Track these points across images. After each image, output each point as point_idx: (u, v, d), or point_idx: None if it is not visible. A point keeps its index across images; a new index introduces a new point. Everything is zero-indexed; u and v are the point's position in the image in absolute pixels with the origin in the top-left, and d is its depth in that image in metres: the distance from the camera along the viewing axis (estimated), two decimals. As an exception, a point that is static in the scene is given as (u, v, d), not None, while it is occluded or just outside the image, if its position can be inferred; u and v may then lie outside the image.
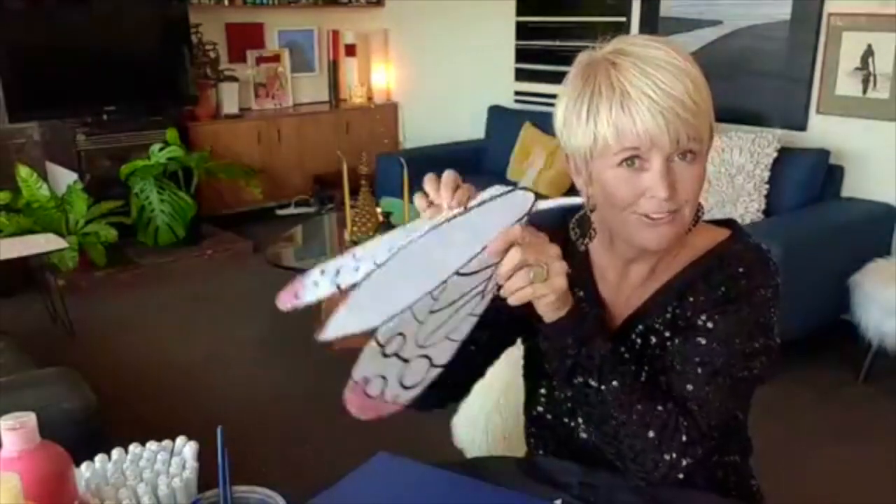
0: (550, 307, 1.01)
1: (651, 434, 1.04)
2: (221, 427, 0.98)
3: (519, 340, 1.31)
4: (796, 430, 2.91)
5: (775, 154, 3.63)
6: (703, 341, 1.09)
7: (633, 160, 1.03)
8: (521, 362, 1.35)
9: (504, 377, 1.82)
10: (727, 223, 1.21)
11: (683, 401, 1.07)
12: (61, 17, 4.66)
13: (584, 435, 1.22)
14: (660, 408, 1.05)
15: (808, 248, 3.26)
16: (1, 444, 0.96)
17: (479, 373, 1.28)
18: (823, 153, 3.66)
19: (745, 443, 1.30)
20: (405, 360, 1.00)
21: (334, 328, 0.89)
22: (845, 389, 3.25)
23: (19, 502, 0.88)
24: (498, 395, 1.81)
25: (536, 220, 0.99)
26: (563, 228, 1.21)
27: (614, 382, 1.05)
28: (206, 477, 1.14)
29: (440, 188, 0.95)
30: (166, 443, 1.22)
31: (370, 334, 0.95)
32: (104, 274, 4.46)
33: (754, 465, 1.32)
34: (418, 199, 0.98)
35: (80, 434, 1.66)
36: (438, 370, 1.01)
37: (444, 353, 1.01)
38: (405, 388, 1.02)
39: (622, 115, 1.00)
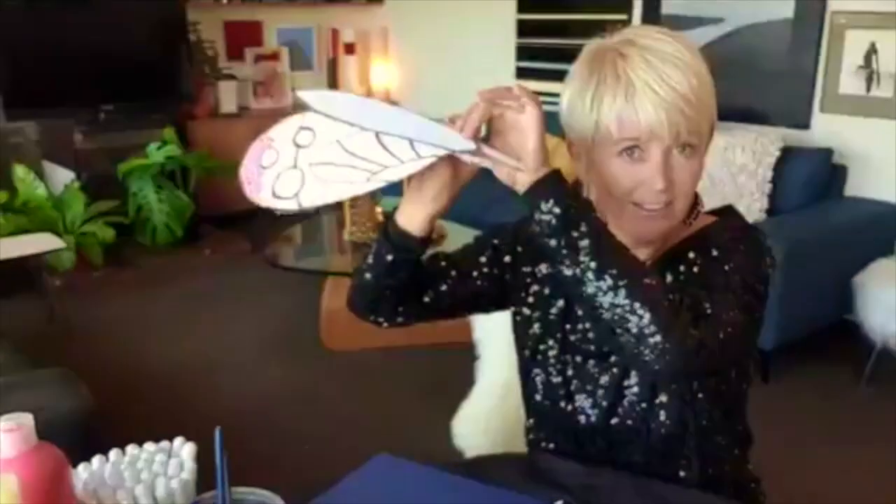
0: (539, 170, 0.98)
1: (662, 306, 0.96)
2: (220, 428, 0.97)
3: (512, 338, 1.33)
4: (799, 431, 2.90)
5: (778, 153, 3.62)
6: (703, 272, 1.10)
7: (632, 150, 1.05)
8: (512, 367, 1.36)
9: (504, 377, 1.82)
10: (725, 210, 1.23)
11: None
12: (58, 15, 4.65)
13: (581, 419, 1.22)
14: (670, 294, 1.00)
15: (812, 247, 3.26)
16: (-3, 445, 0.95)
17: (437, 308, 1.25)
18: (826, 152, 3.65)
19: (744, 433, 1.30)
20: (294, 166, 1.04)
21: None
22: (848, 390, 3.25)
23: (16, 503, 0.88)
24: (498, 397, 1.81)
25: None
26: None
27: (613, 240, 0.99)
28: (204, 478, 1.13)
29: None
30: (164, 444, 1.22)
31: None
32: (102, 274, 4.45)
33: (756, 465, 1.32)
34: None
35: (77, 435, 1.65)
36: (295, 206, 1.01)
37: (315, 195, 1.02)
38: (275, 195, 1.04)
39: (625, 106, 1.03)
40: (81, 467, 1.15)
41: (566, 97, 1.11)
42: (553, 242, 0.98)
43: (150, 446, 1.21)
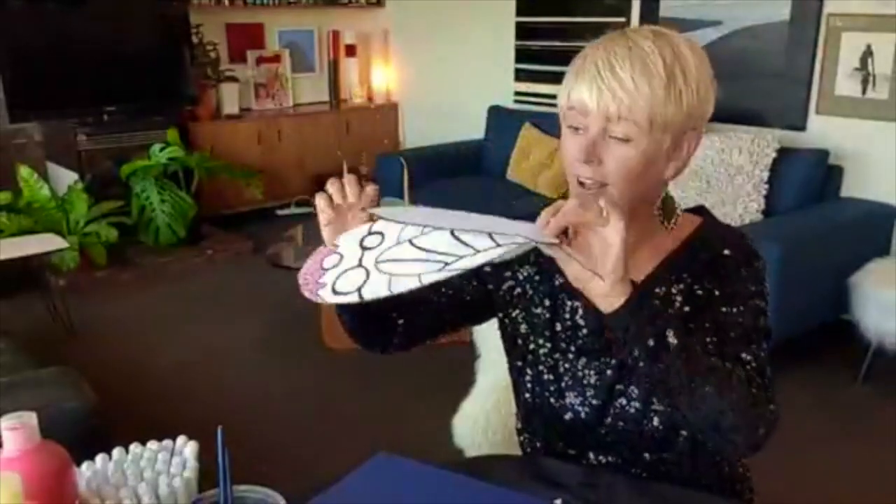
0: (616, 284, 0.98)
1: (738, 390, 1.05)
2: (222, 427, 0.98)
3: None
4: (795, 430, 2.90)
5: (775, 154, 3.63)
6: (727, 311, 1.14)
7: (576, 127, 1.11)
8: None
9: (504, 377, 1.83)
10: (697, 210, 1.27)
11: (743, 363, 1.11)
12: (62, 17, 4.67)
13: (569, 416, 1.25)
14: (729, 365, 1.07)
15: (808, 248, 3.27)
16: (1, 443, 0.96)
17: (428, 329, 1.34)
18: (823, 153, 3.66)
19: None
20: (358, 265, 1.03)
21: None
22: (844, 389, 3.26)
23: (20, 502, 0.89)
24: (498, 395, 1.82)
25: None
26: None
27: (689, 337, 1.05)
28: (206, 476, 1.14)
29: (344, 187, 1.14)
30: (167, 442, 1.22)
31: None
32: (105, 274, 4.46)
33: (750, 464, 1.33)
34: (320, 199, 1.14)
35: (80, 434, 1.66)
36: (356, 298, 0.98)
37: (378, 287, 0.98)
38: (335, 291, 1.01)
39: (571, 82, 1.11)
40: (84, 466, 1.16)
41: None
42: (642, 365, 1.03)
43: (152, 445, 1.22)
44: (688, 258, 1.19)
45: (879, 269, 3.27)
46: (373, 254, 1.03)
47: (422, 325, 1.33)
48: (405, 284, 0.96)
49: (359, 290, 0.98)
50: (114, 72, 4.87)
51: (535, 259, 1.27)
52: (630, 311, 0.99)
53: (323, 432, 2.93)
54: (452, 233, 0.98)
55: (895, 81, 3.51)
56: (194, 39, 5.29)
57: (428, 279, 0.95)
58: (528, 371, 1.29)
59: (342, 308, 1.25)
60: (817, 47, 3.75)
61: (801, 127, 3.85)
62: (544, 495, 1.11)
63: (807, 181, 3.64)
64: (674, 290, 1.17)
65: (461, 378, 2.00)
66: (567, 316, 1.24)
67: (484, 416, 1.81)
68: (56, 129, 4.84)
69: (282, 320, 3.95)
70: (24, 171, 4.43)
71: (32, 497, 0.93)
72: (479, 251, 0.96)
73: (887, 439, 2.87)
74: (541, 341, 1.27)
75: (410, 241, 1.01)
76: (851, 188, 3.71)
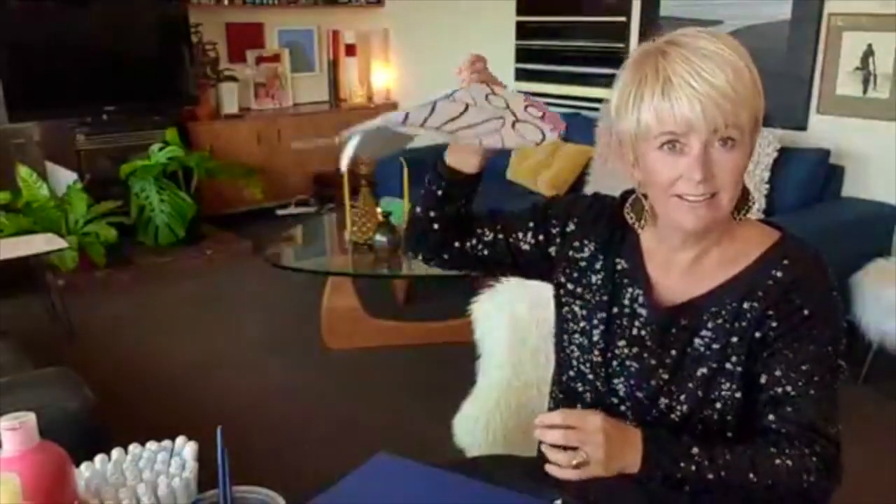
0: (614, 471, 1.09)
1: (785, 481, 1.10)
2: (221, 427, 0.98)
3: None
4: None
5: (776, 154, 3.62)
6: (802, 363, 1.15)
7: (672, 144, 1.09)
8: (523, 364, 1.37)
9: (504, 377, 1.83)
10: (772, 224, 1.26)
11: (808, 427, 1.13)
12: (61, 16, 4.67)
13: (613, 400, 1.26)
14: (780, 460, 1.11)
15: (809, 247, 3.26)
16: (1, 443, 0.96)
17: (476, 257, 1.35)
18: (824, 153, 3.65)
19: None
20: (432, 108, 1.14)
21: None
22: (845, 389, 3.23)
23: (19, 502, 0.88)
24: (498, 395, 1.82)
25: (598, 206, 1.25)
26: (621, 210, 1.25)
27: (727, 456, 1.11)
28: (205, 477, 1.14)
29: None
30: (166, 443, 1.22)
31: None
32: (104, 274, 4.46)
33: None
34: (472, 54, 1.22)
35: (79, 434, 1.66)
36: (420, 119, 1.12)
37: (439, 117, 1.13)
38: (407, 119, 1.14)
39: (662, 102, 1.06)
40: (84, 466, 1.15)
41: (614, 100, 1.15)
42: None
43: (152, 445, 1.22)
44: (763, 274, 1.17)
45: (881, 268, 3.26)
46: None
47: (474, 254, 1.34)
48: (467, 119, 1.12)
49: (426, 119, 1.12)
50: (113, 71, 4.87)
51: (600, 240, 1.27)
52: (651, 463, 1.08)
53: (323, 432, 2.93)
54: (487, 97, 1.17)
55: (896, 81, 3.51)
56: (194, 39, 5.30)
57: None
58: (575, 349, 1.29)
59: (426, 198, 1.29)
60: (818, 47, 3.75)
61: (802, 126, 3.85)
62: (545, 495, 1.11)
63: (808, 181, 3.63)
64: (745, 306, 1.17)
65: (461, 378, 2.00)
66: (626, 302, 1.25)
67: (484, 416, 1.81)
68: (55, 128, 4.83)
69: (282, 320, 3.95)
70: (23, 170, 4.43)
71: (31, 497, 0.92)
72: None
73: (888, 439, 2.87)
74: (595, 321, 1.26)
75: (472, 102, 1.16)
76: (852, 188, 3.70)
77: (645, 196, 1.19)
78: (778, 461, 1.10)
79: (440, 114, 1.12)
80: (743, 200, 1.16)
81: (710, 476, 1.09)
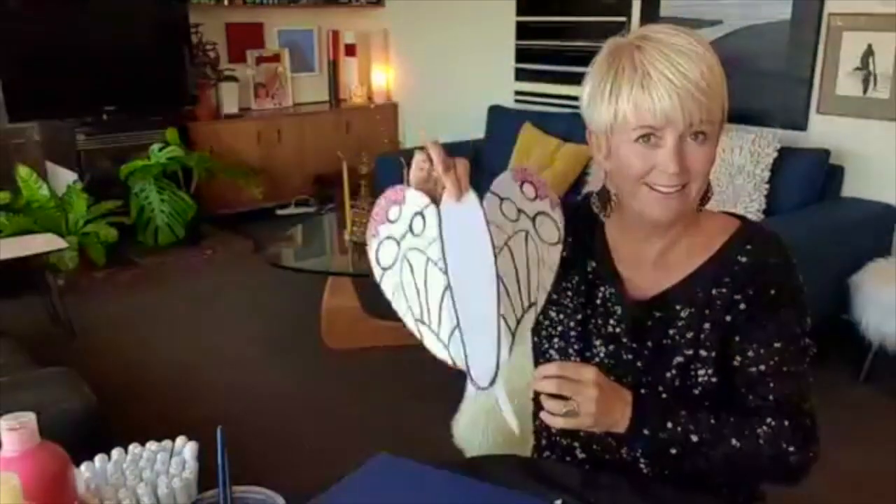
0: (604, 426, 1.10)
1: (766, 451, 1.14)
2: (221, 427, 0.98)
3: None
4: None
5: (775, 154, 3.62)
6: (773, 341, 1.17)
7: (648, 137, 1.10)
8: (525, 355, 1.37)
9: (504, 377, 1.82)
10: (730, 213, 1.28)
11: (785, 401, 1.17)
12: (61, 16, 4.66)
13: None
14: (760, 429, 1.14)
15: (808, 248, 3.24)
16: (1, 443, 0.96)
17: None
18: (824, 153, 3.65)
19: None
20: (398, 240, 1.06)
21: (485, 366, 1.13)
22: (845, 390, 3.25)
23: (19, 502, 0.88)
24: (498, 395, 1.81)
25: (568, 212, 1.15)
26: (587, 210, 1.27)
27: (712, 421, 1.13)
28: (205, 477, 1.14)
29: (439, 163, 1.04)
30: (166, 443, 1.22)
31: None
32: (104, 274, 4.46)
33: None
34: (418, 155, 1.07)
35: (79, 434, 1.66)
36: (378, 275, 1.07)
37: (390, 279, 1.07)
38: (377, 258, 1.08)
39: (642, 94, 1.07)
40: (84, 466, 1.15)
41: (586, 90, 1.15)
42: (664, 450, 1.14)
43: (152, 445, 1.22)
44: (729, 260, 1.19)
45: (880, 269, 3.26)
46: (410, 241, 1.04)
47: None
48: (398, 301, 1.06)
49: (384, 272, 1.05)
50: (113, 71, 4.86)
51: (572, 243, 1.26)
52: (639, 421, 1.10)
53: (323, 432, 2.93)
54: (450, 291, 1.01)
55: (896, 81, 3.51)
56: (194, 39, 5.30)
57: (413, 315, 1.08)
58: (553, 353, 1.30)
59: None
60: (818, 47, 3.75)
61: (802, 126, 3.85)
62: (544, 496, 1.11)
63: (808, 181, 3.63)
64: (714, 293, 1.19)
65: (461, 378, 2.00)
66: (599, 301, 1.25)
67: (484, 417, 1.81)
68: (55, 128, 4.84)
69: (281, 320, 3.95)
70: (23, 170, 4.43)
71: (31, 497, 0.92)
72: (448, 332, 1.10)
73: (888, 439, 2.87)
74: (572, 324, 1.27)
75: (429, 259, 1.02)
76: (852, 188, 3.70)
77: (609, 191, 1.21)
78: (759, 430, 1.13)
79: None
80: (705, 192, 1.18)
81: (695, 438, 1.11)
